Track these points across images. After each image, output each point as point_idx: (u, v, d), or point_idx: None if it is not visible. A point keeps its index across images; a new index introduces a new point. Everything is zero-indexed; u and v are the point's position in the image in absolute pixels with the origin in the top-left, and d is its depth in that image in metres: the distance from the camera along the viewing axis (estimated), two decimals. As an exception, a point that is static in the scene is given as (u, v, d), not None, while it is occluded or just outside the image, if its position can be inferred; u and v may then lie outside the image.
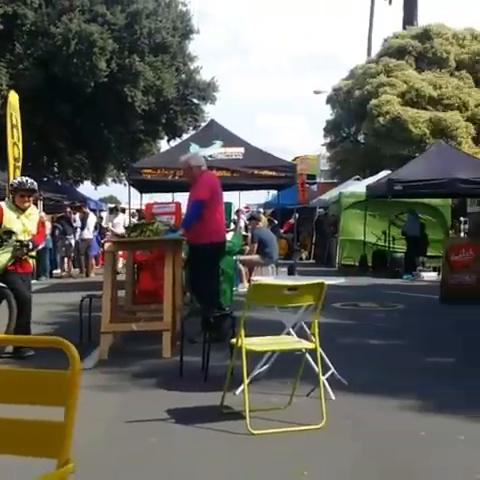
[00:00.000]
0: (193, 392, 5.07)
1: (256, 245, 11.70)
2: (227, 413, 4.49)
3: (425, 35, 25.81)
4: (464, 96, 23.48)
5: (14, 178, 6.82)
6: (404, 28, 29.32)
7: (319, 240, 22.26)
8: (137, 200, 16.23)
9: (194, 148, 11.98)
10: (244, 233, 14.63)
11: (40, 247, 8.28)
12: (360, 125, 25.60)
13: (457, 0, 73.94)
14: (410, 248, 16.20)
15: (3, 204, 6.51)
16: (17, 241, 6.35)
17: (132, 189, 14.11)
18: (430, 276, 14.88)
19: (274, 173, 12.20)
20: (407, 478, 3.49)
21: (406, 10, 33.49)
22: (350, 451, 3.86)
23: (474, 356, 6.54)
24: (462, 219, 21.65)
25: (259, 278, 7.50)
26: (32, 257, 6.76)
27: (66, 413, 1.84)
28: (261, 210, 22.19)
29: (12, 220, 6.40)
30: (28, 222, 6.50)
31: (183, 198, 10.31)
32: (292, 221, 18.90)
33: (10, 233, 6.32)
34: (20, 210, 6.46)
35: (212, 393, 4.83)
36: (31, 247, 6.49)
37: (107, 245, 7.21)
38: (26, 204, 6.52)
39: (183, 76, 23.64)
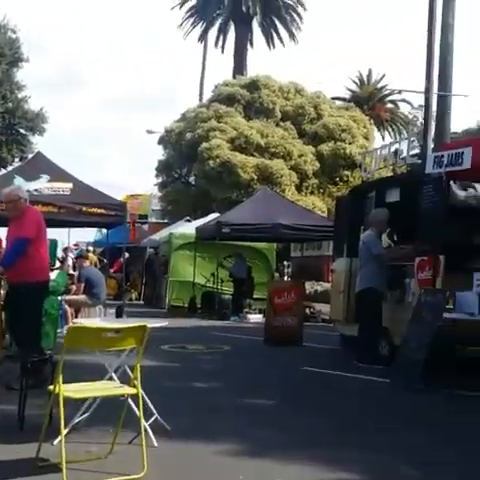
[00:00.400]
0: (7, 444, 4.72)
1: (83, 285, 11.36)
2: (43, 466, 4.22)
3: (253, 85, 27.11)
4: (289, 146, 24.86)
5: None
6: (234, 77, 30.70)
7: (149, 281, 22.15)
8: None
9: (18, 181, 11.44)
10: (72, 272, 14.19)
11: None
12: (191, 167, 26.14)
13: (282, 54, 78.84)
14: (237, 290, 16.65)
15: None
16: None
17: None
18: (256, 318, 15.35)
19: (103, 211, 11.98)
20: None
21: (236, 60, 35.22)
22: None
23: (292, 397, 6.81)
24: (286, 263, 22.67)
25: (83, 320, 7.25)
26: None
27: None
28: (90, 248, 21.67)
29: None
30: None
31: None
32: (122, 260, 18.64)
33: None
34: None
35: (28, 444, 4.52)
36: None
37: None
38: None
39: (10, 104, 22.70)
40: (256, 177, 23.60)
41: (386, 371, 7.88)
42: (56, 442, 4.36)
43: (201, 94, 36.98)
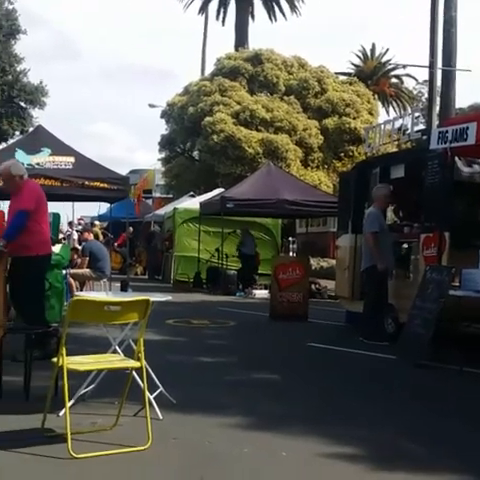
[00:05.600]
0: (13, 414, 4.73)
1: (87, 259, 11.35)
2: (49, 436, 4.23)
3: (256, 59, 26.80)
4: (293, 120, 24.66)
5: None
6: (236, 50, 30.29)
7: (149, 255, 22.17)
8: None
9: (20, 154, 11.34)
10: (77, 246, 14.17)
11: None
12: (195, 142, 25.95)
13: (283, 29, 77.98)
14: (244, 266, 16.60)
15: None
16: None
17: None
18: (261, 294, 15.35)
19: (106, 185, 11.89)
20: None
21: (238, 33, 34.74)
22: (173, 473, 3.80)
23: (297, 373, 6.80)
24: (291, 239, 22.63)
25: (86, 293, 7.24)
26: None
27: None
28: (96, 222, 21.65)
29: None
30: None
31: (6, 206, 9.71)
32: (126, 235, 18.63)
33: None
34: None
35: (34, 415, 4.54)
36: None
37: None
38: None
39: (9, 77, 22.50)
40: (261, 152, 23.45)
41: (391, 347, 7.87)
42: (61, 413, 4.36)
43: (203, 68, 36.63)
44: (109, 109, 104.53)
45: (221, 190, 18.56)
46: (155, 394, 4.89)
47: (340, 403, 5.50)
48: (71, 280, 11.02)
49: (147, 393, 4.36)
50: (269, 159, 20.64)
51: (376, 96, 28.88)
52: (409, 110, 35.73)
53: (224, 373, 6.54)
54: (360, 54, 42.57)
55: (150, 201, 29.54)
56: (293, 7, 37.07)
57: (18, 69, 23.00)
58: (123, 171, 25.10)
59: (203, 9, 38.32)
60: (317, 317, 11.08)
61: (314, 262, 18.10)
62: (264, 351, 8.09)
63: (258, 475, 3.80)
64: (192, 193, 22.46)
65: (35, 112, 23.49)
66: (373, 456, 4.12)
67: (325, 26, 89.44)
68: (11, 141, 20.12)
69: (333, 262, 16.02)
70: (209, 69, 30.02)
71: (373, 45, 42.60)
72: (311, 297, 12.51)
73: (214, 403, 5.27)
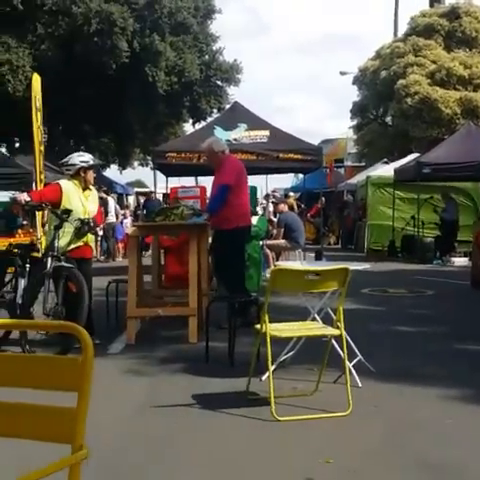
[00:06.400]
0: (219, 378, 5.05)
1: (282, 230, 11.60)
2: (253, 399, 4.45)
3: (453, 13, 25.22)
4: (495, 76, 22.98)
5: (79, 155, 6.40)
6: (431, 6, 28.70)
7: (346, 225, 22.06)
8: (164, 184, 16.24)
9: (219, 131, 11.87)
10: (272, 218, 14.53)
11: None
12: (387, 107, 25.22)
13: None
14: (447, 233, 15.89)
15: (63, 183, 6.16)
16: (78, 219, 6.01)
17: (159, 173, 14.09)
18: (461, 261, 14.64)
19: (300, 156, 12.05)
20: (429, 468, 3.40)
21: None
22: (376, 439, 3.80)
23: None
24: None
25: (284, 263, 7.42)
26: (96, 235, 6.41)
27: (79, 399, 1.83)
28: (291, 194, 22.05)
29: (73, 200, 6.06)
30: (87, 202, 6.21)
31: (209, 182, 10.26)
32: (319, 205, 18.74)
33: (68, 212, 5.95)
34: (81, 190, 6.17)
35: (238, 379, 4.80)
36: (92, 225, 6.17)
37: (131, 229, 7.17)
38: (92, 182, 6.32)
39: (206, 57, 23.48)
40: (459, 112, 22.18)
41: None
42: (264, 378, 4.55)
43: (396, 28, 35.11)
44: (300, 81, 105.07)
45: (416, 155, 17.88)
46: (354, 362, 4.91)
47: None
48: (267, 251, 11.35)
49: (346, 361, 4.40)
50: (468, 119, 19.47)
51: None
52: None
53: (425, 343, 6.37)
54: None
55: (342, 170, 29.35)
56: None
57: (214, 48, 23.92)
58: (315, 141, 25.14)
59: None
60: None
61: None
62: (467, 320, 7.73)
63: (460, 445, 3.67)
64: (385, 160, 21.92)
65: (231, 89, 24.35)
66: None
67: None
68: (210, 119, 21.06)
69: None
70: (402, 29, 28.85)
71: None
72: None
73: (415, 373, 5.17)
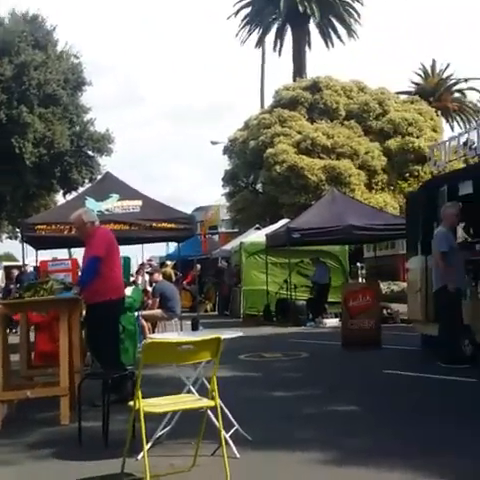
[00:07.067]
0: (93, 461, 4.82)
1: (158, 299, 11.52)
2: (129, 480, 4.29)
3: (315, 87, 26.94)
4: (355, 144, 24.56)
5: None
6: (294, 80, 30.54)
7: (220, 291, 22.27)
8: (34, 257, 15.70)
9: (90, 202, 11.73)
10: (148, 287, 14.39)
11: None
12: (257, 174, 26.18)
13: (340, 55, 78.32)
14: (318, 295, 16.39)
15: None
16: None
17: (29, 246, 13.62)
18: (332, 322, 15.14)
19: (173, 225, 12.12)
20: None
21: (296, 62, 35.02)
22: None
23: (376, 402, 6.64)
24: (359, 265, 22.34)
25: (160, 335, 7.34)
26: None
27: None
28: (168, 262, 22.00)
29: None
30: None
31: (82, 254, 10.04)
32: (194, 272, 18.84)
33: None
34: None
35: (113, 460, 4.61)
36: None
37: (-3, 307, 6.83)
38: None
39: (77, 128, 23.40)
40: (324, 179, 23.41)
41: (471, 370, 7.60)
42: (140, 456, 4.41)
43: (262, 100, 36.93)
44: (174, 150, 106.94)
45: (286, 220, 18.56)
46: (231, 432, 4.88)
47: (425, 433, 5.29)
48: (143, 322, 11.19)
49: (223, 432, 4.37)
50: (332, 186, 20.56)
51: (439, 112, 28.41)
52: (474, 124, 35.02)
53: (300, 406, 6.46)
54: (420, 72, 42.11)
55: (216, 237, 29.82)
56: (350, 31, 37.08)
57: (85, 119, 23.90)
58: (188, 209, 25.52)
59: (260, 42, 38.75)
60: (391, 343, 10.84)
61: (384, 286, 17.76)
62: (339, 381, 7.96)
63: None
64: (258, 226, 22.55)
65: (102, 159, 24.32)
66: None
67: (383, 46, 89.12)
68: (81, 189, 20.83)
69: (404, 285, 15.68)
70: (268, 101, 30.35)
71: (433, 61, 42.10)
72: (383, 322, 12.25)
73: (292, 439, 5.20)
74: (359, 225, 15.05)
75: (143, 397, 4.15)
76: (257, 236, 19.53)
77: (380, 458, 4.55)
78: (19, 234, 25.12)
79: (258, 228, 21.91)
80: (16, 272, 21.79)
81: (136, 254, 22.25)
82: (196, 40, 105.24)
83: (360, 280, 21.13)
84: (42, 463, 4.90)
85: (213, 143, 29.66)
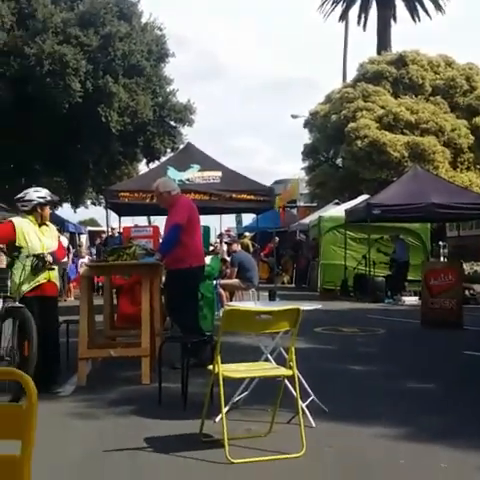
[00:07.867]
0: (172, 420, 4.97)
1: (236, 269, 11.63)
2: (206, 441, 4.40)
3: (400, 61, 26.18)
4: (440, 121, 23.79)
5: (36, 191, 6.22)
6: (379, 54, 29.72)
7: (299, 264, 22.27)
8: (117, 223, 16.13)
9: (172, 172, 11.93)
10: (226, 257, 14.55)
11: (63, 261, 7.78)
12: (338, 149, 25.80)
13: (427, 28, 75.48)
14: (397, 272, 16.17)
15: (16, 220, 5.97)
16: (33, 255, 5.79)
17: (112, 212, 14.02)
18: (411, 300, 14.89)
19: (252, 197, 12.19)
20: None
21: (380, 36, 34.02)
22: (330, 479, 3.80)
23: (454, 383, 6.52)
24: (441, 243, 21.80)
25: (237, 303, 7.43)
26: (57, 270, 6.24)
27: (23, 447, 1.79)
28: (246, 234, 22.14)
29: (28, 236, 5.88)
30: (44, 237, 6.02)
31: (162, 221, 10.23)
32: (272, 245, 18.88)
33: (17, 249, 5.77)
34: (37, 226, 6.00)
35: (191, 421, 4.74)
36: (51, 260, 5.91)
37: (83, 269, 7.09)
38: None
39: (159, 99, 23.70)
40: (407, 155, 22.85)
41: None
42: (218, 419, 4.51)
43: (344, 74, 36.19)
44: (253, 123, 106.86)
45: (366, 196, 18.29)
46: (307, 402, 4.91)
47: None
48: (221, 290, 11.34)
49: (300, 401, 4.40)
50: (415, 162, 20.07)
51: None
52: None
53: (377, 382, 6.43)
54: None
55: (295, 210, 29.72)
56: (438, 6, 35.68)
57: (167, 90, 24.16)
58: (268, 182, 25.44)
59: (344, 16, 37.91)
60: (473, 324, 10.57)
61: (467, 267, 17.29)
62: (418, 360, 7.84)
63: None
64: (337, 201, 22.33)
65: (184, 130, 24.54)
66: None
67: (473, 22, 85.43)
68: (163, 159, 21.14)
69: (488, 266, 15.21)
70: (351, 76, 29.73)
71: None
72: (465, 303, 11.94)
73: (368, 413, 5.19)
74: (442, 203, 14.69)
75: (222, 362, 4.22)
76: (336, 211, 19.37)
77: (455, 438, 4.49)
78: (103, 201, 25.85)
79: (337, 203, 21.69)
80: (104, 236, 22.43)
81: (214, 224, 22.53)
82: (277, 13, 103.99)
83: (441, 259, 20.65)
84: (124, 419, 5.09)
85: (293, 117, 29.40)
